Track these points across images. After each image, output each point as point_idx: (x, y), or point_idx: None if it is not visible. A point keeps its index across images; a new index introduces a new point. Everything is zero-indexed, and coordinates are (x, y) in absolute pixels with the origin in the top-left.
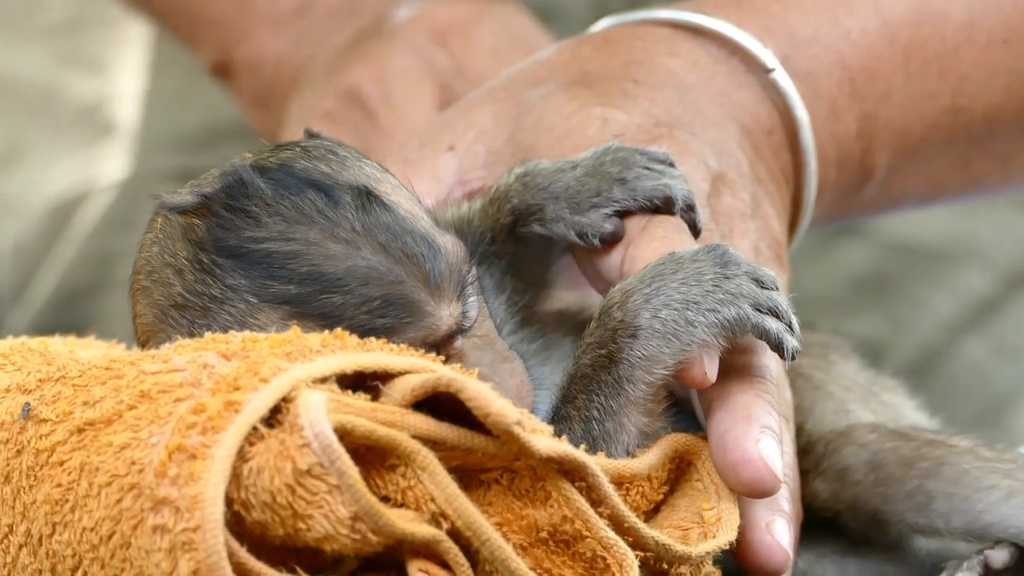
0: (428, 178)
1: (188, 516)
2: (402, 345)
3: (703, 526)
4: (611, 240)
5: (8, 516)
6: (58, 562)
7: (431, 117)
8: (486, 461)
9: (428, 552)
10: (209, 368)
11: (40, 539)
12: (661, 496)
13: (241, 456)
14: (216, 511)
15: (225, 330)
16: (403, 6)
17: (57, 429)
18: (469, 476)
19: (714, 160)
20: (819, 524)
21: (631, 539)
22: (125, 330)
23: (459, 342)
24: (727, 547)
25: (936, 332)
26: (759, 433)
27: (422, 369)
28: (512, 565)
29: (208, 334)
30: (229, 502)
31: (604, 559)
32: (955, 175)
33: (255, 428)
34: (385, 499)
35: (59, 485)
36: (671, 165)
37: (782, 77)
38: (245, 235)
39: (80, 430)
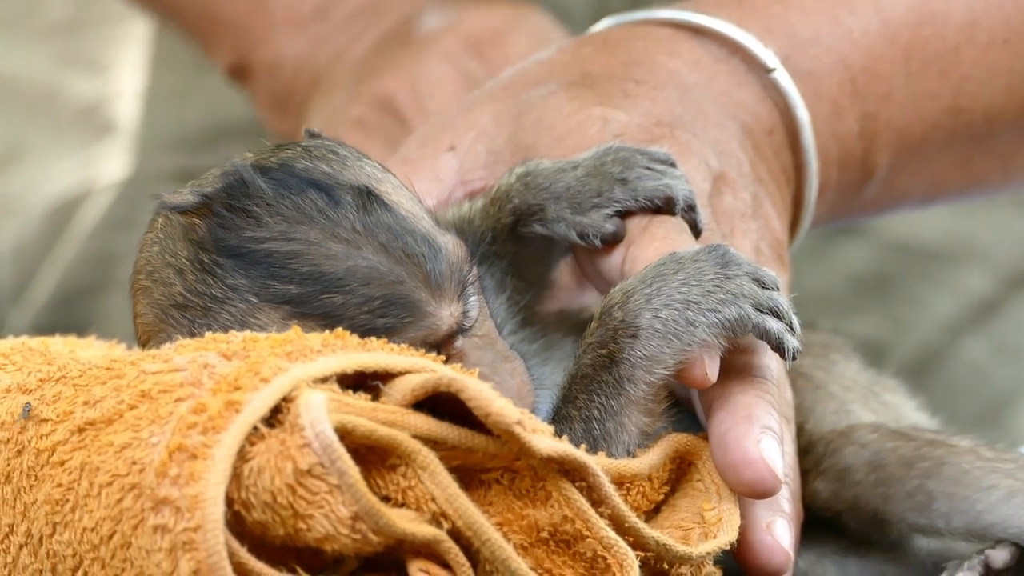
0: (429, 178)
1: (189, 516)
2: (403, 345)
3: (704, 526)
4: (612, 240)
5: (9, 516)
6: (59, 562)
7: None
8: (487, 461)
9: (429, 552)
10: (210, 368)
11: (41, 539)
12: (662, 496)
13: (242, 456)
14: (217, 511)
15: (226, 330)
16: (432, 14)
17: (58, 429)
18: (470, 476)
19: (715, 160)
20: (820, 524)
21: (632, 539)
22: (126, 330)
23: (460, 342)
24: (728, 547)
25: (936, 332)
26: (760, 433)
27: (423, 369)
28: (513, 565)
29: (209, 334)
30: (230, 502)
31: (605, 559)
32: (956, 174)
33: (256, 428)
34: (386, 499)
35: (60, 485)
36: (672, 165)
37: (783, 77)
38: (246, 235)
39: (81, 430)
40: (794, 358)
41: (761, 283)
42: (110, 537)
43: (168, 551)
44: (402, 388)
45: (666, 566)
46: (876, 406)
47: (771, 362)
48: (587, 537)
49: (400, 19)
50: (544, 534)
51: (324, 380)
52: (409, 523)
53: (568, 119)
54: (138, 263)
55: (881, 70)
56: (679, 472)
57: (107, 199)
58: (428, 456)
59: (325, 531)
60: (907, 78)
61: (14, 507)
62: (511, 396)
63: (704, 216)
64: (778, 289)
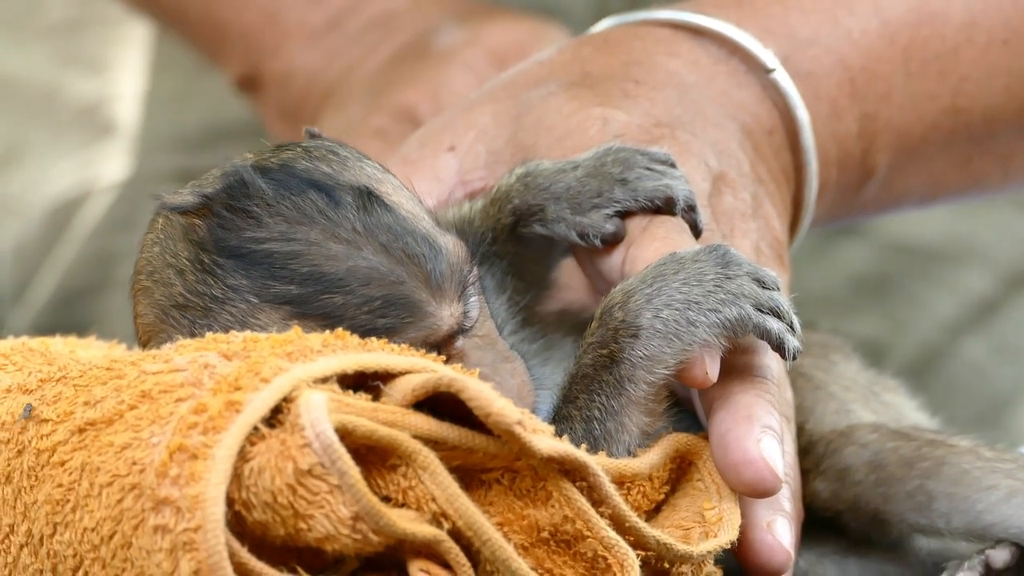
0: (429, 178)
1: (189, 516)
2: (403, 345)
3: (704, 525)
4: (612, 240)
5: (9, 516)
6: (59, 562)
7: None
8: (487, 461)
9: (429, 552)
10: (210, 368)
11: (41, 539)
12: (662, 496)
13: (242, 456)
14: (217, 511)
15: (226, 330)
16: (450, 30)
17: (58, 429)
18: (470, 476)
19: (715, 160)
20: (820, 524)
21: (632, 539)
22: (126, 330)
23: (460, 342)
24: (728, 546)
25: (936, 332)
26: (760, 433)
27: (423, 369)
28: (513, 565)
29: (209, 334)
30: (230, 502)
31: (605, 559)
32: (955, 175)
33: (256, 428)
34: (386, 499)
35: (60, 485)
36: (672, 165)
37: (782, 77)
38: (246, 235)
39: (81, 430)
40: (794, 358)
41: (761, 283)
42: (111, 537)
43: (169, 551)
44: (402, 388)
45: (667, 565)
46: (876, 406)
47: (771, 362)
48: (588, 537)
49: (415, 34)
50: (545, 534)
51: (324, 380)
52: (409, 523)
53: (568, 119)
54: (138, 264)
55: (880, 70)
56: (679, 472)
57: (107, 199)
58: (428, 456)
59: (326, 531)
60: (906, 78)
61: (15, 507)
62: (511, 396)
63: (704, 216)
64: (778, 289)
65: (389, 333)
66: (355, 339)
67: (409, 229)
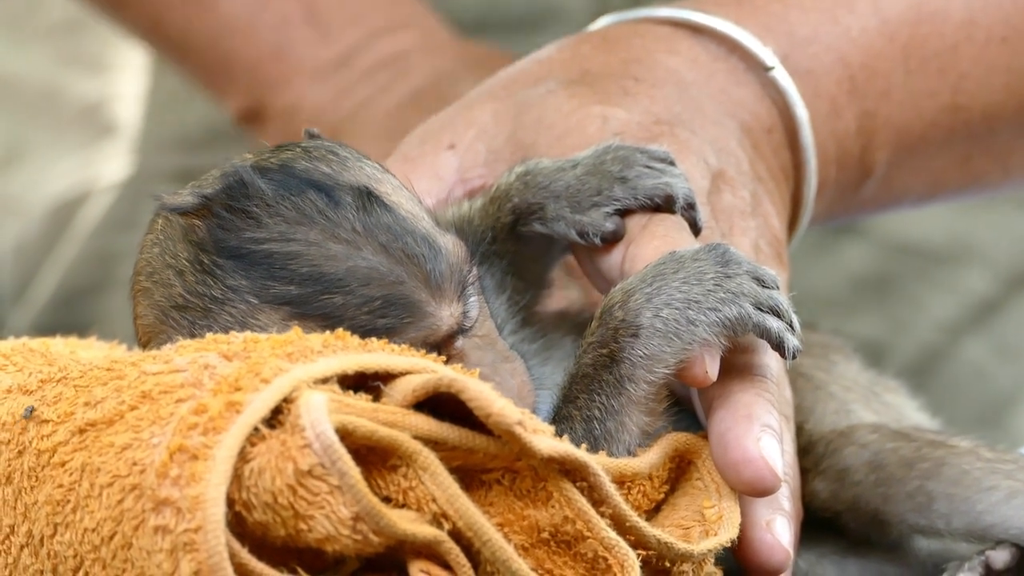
0: (428, 177)
1: (189, 517)
2: (403, 345)
3: (704, 524)
4: (612, 239)
5: (9, 517)
6: (59, 563)
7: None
8: (487, 461)
9: (429, 553)
10: (210, 369)
11: (41, 540)
12: (662, 495)
13: (242, 457)
14: (217, 512)
15: (226, 331)
16: (466, 79)
17: (58, 430)
18: (470, 477)
19: (714, 158)
20: (819, 524)
21: (633, 538)
22: (126, 331)
23: (460, 342)
24: (728, 545)
25: (936, 332)
26: (760, 432)
27: (423, 369)
28: (514, 566)
29: (209, 335)
30: (230, 503)
31: (605, 559)
32: (955, 172)
33: (256, 429)
34: (386, 500)
35: (60, 486)
36: (672, 163)
37: (782, 75)
38: (246, 236)
39: (81, 431)
40: (794, 357)
41: (761, 282)
42: (111, 538)
43: (169, 552)
44: (403, 389)
45: (668, 564)
46: (877, 406)
47: (771, 361)
48: (588, 538)
49: (429, 78)
50: (545, 534)
51: (325, 381)
52: (410, 524)
53: (568, 117)
54: (138, 264)
55: (880, 68)
56: (679, 471)
57: (108, 199)
58: (429, 457)
59: (326, 532)
60: (906, 76)
61: (15, 508)
62: (512, 396)
63: (703, 214)
64: (778, 288)
65: (389, 333)
66: (355, 339)
67: (409, 229)
